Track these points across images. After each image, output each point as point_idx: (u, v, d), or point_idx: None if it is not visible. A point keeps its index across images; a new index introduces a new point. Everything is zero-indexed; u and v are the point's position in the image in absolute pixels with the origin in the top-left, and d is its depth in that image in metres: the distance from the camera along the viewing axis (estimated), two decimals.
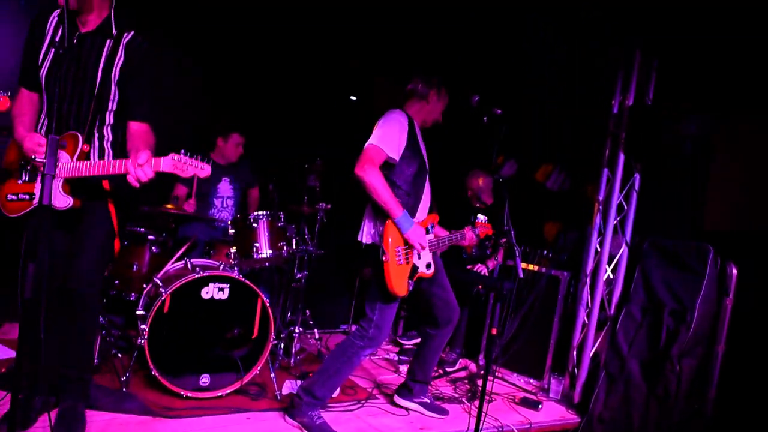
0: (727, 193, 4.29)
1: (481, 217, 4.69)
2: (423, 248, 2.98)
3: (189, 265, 3.56)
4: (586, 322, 4.37)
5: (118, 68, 2.39)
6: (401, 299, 3.07)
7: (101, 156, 2.45)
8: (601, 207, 4.36)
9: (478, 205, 4.81)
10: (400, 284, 2.91)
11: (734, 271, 3.86)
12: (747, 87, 4.16)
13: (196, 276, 3.26)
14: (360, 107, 5.49)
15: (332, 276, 5.21)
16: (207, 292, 3.32)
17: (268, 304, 3.53)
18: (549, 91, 5.26)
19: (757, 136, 4.18)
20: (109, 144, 2.48)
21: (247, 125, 4.50)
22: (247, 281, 3.42)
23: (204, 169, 2.23)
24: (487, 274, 4.72)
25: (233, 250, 3.83)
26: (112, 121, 2.46)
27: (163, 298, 3.18)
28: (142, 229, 3.82)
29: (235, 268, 3.74)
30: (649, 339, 3.97)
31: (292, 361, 4.16)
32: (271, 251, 3.79)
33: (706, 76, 4.19)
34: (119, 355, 3.67)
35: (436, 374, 4.57)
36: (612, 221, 4.30)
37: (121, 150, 2.51)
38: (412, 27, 4.84)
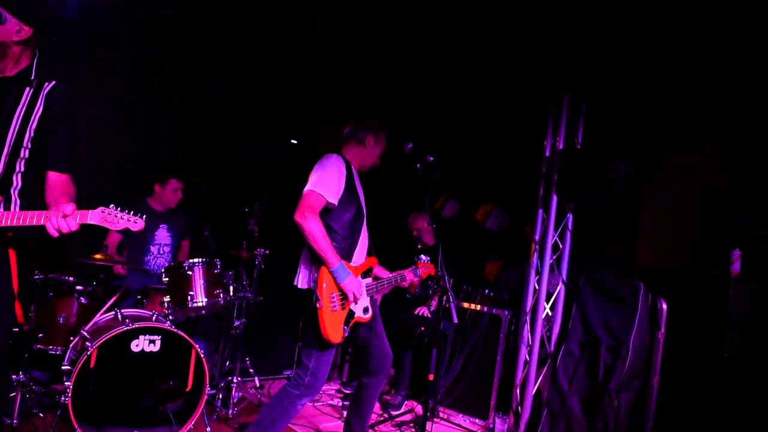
0: (656, 230, 4.60)
1: (423, 257, 4.82)
2: (357, 299, 2.99)
3: (119, 316, 3.50)
4: (528, 359, 4.49)
5: (37, 117, 2.36)
6: (343, 344, 3.11)
7: (7, 205, 2.36)
8: (537, 246, 4.53)
9: (419, 246, 4.94)
10: (334, 331, 2.90)
11: (664, 306, 4.10)
12: (668, 132, 4.52)
13: (126, 328, 3.23)
14: (302, 151, 5.59)
15: (273, 321, 5.13)
16: (137, 345, 3.30)
17: (202, 355, 3.51)
18: (485, 133, 5.59)
19: (677, 175, 4.52)
20: (16, 192, 2.40)
21: (184, 169, 4.52)
22: (180, 332, 3.41)
23: (137, 223, 2.23)
24: (430, 315, 4.77)
25: (167, 298, 3.81)
26: (22, 169, 2.39)
27: (89, 352, 3.13)
28: (70, 279, 3.72)
29: (169, 318, 3.71)
30: (587, 375, 4.14)
31: (230, 412, 4.08)
32: (207, 299, 3.77)
33: (631, 121, 4.55)
34: (41, 414, 3.56)
35: (381, 418, 4.59)
36: (548, 259, 4.47)
37: (29, 198, 2.42)
38: (357, 74, 5.04)
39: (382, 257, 3.45)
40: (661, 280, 4.18)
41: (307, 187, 2.86)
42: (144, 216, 2.21)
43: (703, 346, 3.79)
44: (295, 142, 5.50)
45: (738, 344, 3.68)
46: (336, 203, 2.94)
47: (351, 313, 3.01)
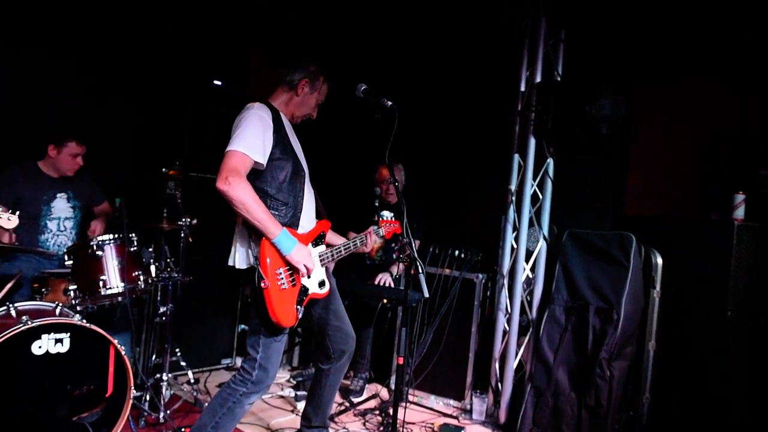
0: (647, 175, 4.55)
1: (387, 213, 4.69)
2: (310, 270, 2.97)
3: (13, 312, 3.29)
4: (507, 329, 4.50)
5: None
6: (290, 329, 3.08)
7: None
8: (513, 197, 4.51)
9: (377, 203, 4.79)
10: (285, 312, 2.86)
11: (659, 260, 4.12)
12: (660, 62, 4.43)
13: (23, 327, 3.04)
14: (231, 95, 5.47)
15: (206, 303, 5.06)
16: (40, 347, 3.12)
17: (123, 351, 3.39)
18: (450, 68, 5.51)
19: (671, 112, 4.46)
20: None
21: (88, 128, 4.36)
22: (93, 326, 3.28)
23: (10, 220, 2.04)
24: (392, 285, 4.73)
25: (73, 286, 3.65)
26: None
27: None
28: None
29: (78, 310, 3.56)
30: (575, 343, 4.15)
31: (161, 415, 3.97)
32: (123, 284, 3.69)
33: (616, 49, 4.45)
34: None
35: (342, 408, 4.54)
36: (527, 213, 4.44)
37: None
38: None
39: (336, 221, 3.44)
40: (655, 231, 4.09)
41: (229, 147, 2.78)
42: (18, 212, 1.96)
43: (704, 303, 3.78)
44: (218, 83, 5.32)
45: (742, 299, 3.70)
46: (264, 162, 2.89)
47: (304, 290, 2.99)
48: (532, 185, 4.47)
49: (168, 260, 4.21)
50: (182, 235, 4.26)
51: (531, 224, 4.50)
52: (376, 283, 4.74)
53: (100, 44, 5.00)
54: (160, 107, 5.21)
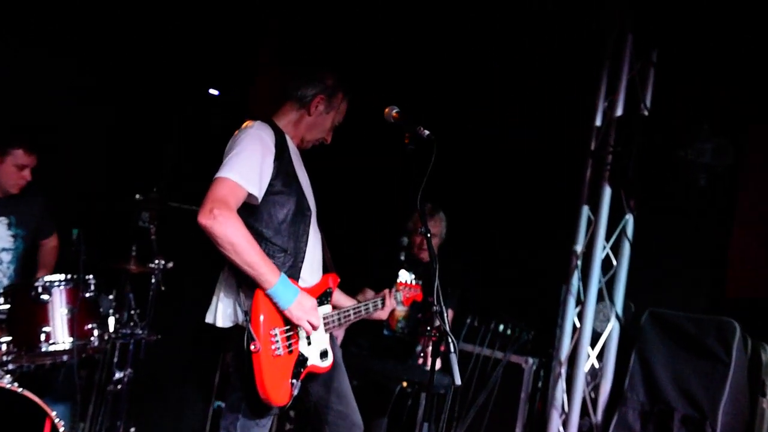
0: (759, 244, 4.38)
1: (405, 275, 4.57)
2: (314, 328, 2.90)
3: None
4: None
5: None
6: (281, 409, 3.00)
7: None
8: (578, 261, 4.47)
9: (402, 257, 4.76)
10: (277, 386, 2.79)
11: None
12: None
13: None
14: (229, 104, 5.48)
15: (176, 369, 4.93)
16: None
17: (62, 429, 3.26)
18: (506, 94, 5.47)
19: None
20: None
21: (42, 135, 4.29)
22: (27, 392, 3.19)
23: None
24: (420, 362, 4.57)
25: (6, 338, 3.50)
26: None
27: None
28: None
29: (8, 368, 3.42)
30: None
31: None
32: (71, 339, 3.61)
33: (723, 76, 4.33)
34: None
35: None
36: (595, 283, 4.39)
37: None
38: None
39: (346, 276, 3.39)
40: (766, 319, 4.02)
41: (218, 173, 2.79)
42: None
43: None
44: (215, 93, 5.34)
45: None
46: (260, 196, 2.89)
47: (302, 359, 2.94)
48: (605, 247, 4.42)
49: (132, 312, 4.17)
50: (153, 280, 4.21)
51: (600, 298, 4.46)
52: (396, 361, 4.59)
53: (73, 32, 5.02)
54: (141, 116, 5.24)
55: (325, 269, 3.23)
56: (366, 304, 3.34)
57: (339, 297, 3.33)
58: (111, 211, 4.54)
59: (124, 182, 4.52)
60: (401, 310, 3.75)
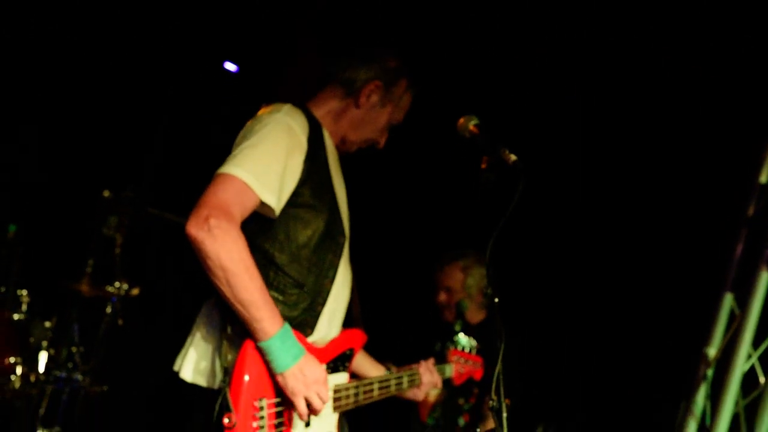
0: None
1: (464, 341, 4.24)
2: (315, 411, 2.74)
3: None
4: None
5: None
6: None
7: None
8: (709, 372, 4.38)
9: (452, 322, 4.68)
10: None
11: None
12: None
13: None
14: (251, 90, 5.39)
15: None
16: None
17: None
18: (626, 125, 5.43)
19: None
20: None
21: None
22: None
23: None
24: None
25: None
26: None
27: None
28: None
29: None
30: None
31: None
32: None
33: None
34: None
35: None
36: (730, 405, 4.28)
37: None
38: None
39: (377, 335, 3.31)
40: None
41: (221, 168, 2.67)
42: None
43: None
44: (232, 68, 5.26)
45: None
46: (278, 208, 2.75)
47: None
48: (750, 356, 4.28)
49: (74, 349, 4.19)
50: (109, 310, 4.21)
51: (735, 429, 4.33)
52: None
53: None
54: (125, 88, 5.19)
55: (349, 321, 3.14)
56: (399, 377, 3.25)
57: (363, 362, 3.29)
58: (68, 208, 4.49)
59: (91, 173, 4.48)
60: (439, 392, 3.75)
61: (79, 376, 4.06)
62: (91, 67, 5.33)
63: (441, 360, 3.49)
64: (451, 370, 3.45)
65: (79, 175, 4.67)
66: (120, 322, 4.19)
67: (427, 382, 3.35)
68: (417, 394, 3.38)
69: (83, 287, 4.11)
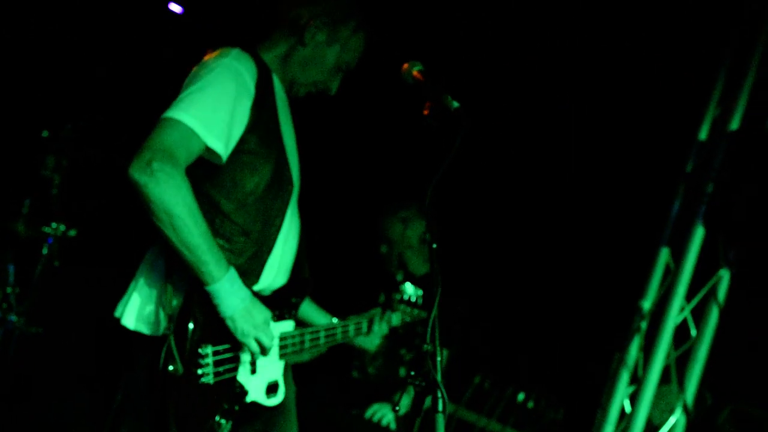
0: None
1: (411, 290, 4.42)
2: (263, 351, 2.80)
3: None
4: None
5: None
6: None
7: None
8: (644, 323, 4.46)
9: (398, 274, 4.70)
10: (195, 426, 2.70)
11: None
12: None
13: None
14: (198, 34, 5.33)
15: (58, 380, 4.90)
16: None
17: None
18: (566, 73, 5.47)
19: None
20: None
21: None
22: None
23: None
24: (392, 426, 4.39)
25: None
26: None
27: None
28: None
29: None
30: None
31: None
32: None
33: None
34: None
35: None
36: (661, 357, 4.34)
37: None
38: None
39: (323, 286, 3.35)
40: None
41: (166, 113, 2.65)
42: None
43: None
44: (177, 9, 5.23)
45: None
46: (225, 155, 2.76)
47: (239, 392, 2.84)
48: (683, 308, 4.36)
49: (8, 290, 4.21)
50: (45, 251, 4.18)
51: (666, 379, 4.41)
52: (367, 417, 4.44)
53: None
54: (65, 18, 5.05)
55: (298, 272, 3.14)
56: (345, 325, 3.25)
57: (310, 311, 3.32)
58: (3, 147, 4.46)
59: (29, 110, 4.43)
60: (380, 344, 3.71)
61: (12, 317, 4.05)
62: (33, 1, 4.98)
63: (384, 310, 3.44)
64: (398, 319, 3.46)
65: (17, 113, 4.59)
66: (55, 263, 4.12)
67: (373, 331, 3.35)
68: (363, 343, 3.42)
69: (18, 227, 4.05)
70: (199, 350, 2.66)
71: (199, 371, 2.66)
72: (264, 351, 2.81)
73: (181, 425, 2.64)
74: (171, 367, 2.57)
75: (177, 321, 2.64)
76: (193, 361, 2.65)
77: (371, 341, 3.45)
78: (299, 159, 3.10)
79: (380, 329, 3.41)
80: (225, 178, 2.80)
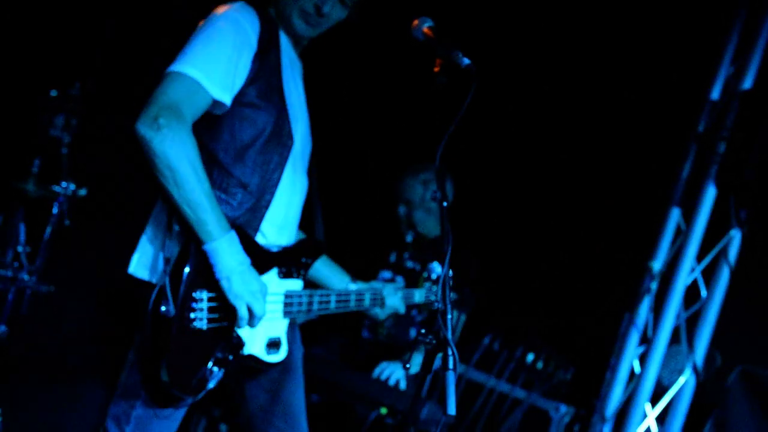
0: None
1: (439, 267, 4.47)
2: (258, 315, 2.78)
3: None
4: None
5: None
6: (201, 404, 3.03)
7: None
8: (654, 284, 4.49)
9: (408, 238, 4.72)
10: (185, 371, 2.69)
11: None
12: None
13: None
14: None
15: (73, 340, 4.90)
16: None
17: None
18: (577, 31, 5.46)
19: None
20: None
21: None
22: None
23: None
24: (402, 386, 4.34)
25: None
26: None
27: None
28: None
29: None
30: None
31: None
32: None
33: None
34: None
35: None
36: (671, 317, 4.38)
37: None
38: None
39: (333, 245, 3.33)
40: None
41: (170, 67, 2.68)
42: None
43: None
44: None
45: None
46: (228, 104, 2.78)
47: (235, 343, 2.85)
48: (693, 269, 4.40)
49: (20, 249, 4.21)
50: (55, 210, 4.21)
51: (675, 340, 4.45)
52: (375, 375, 4.39)
53: None
54: None
55: (308, 232, 3.19)
56: (360, 294, 3.26)
57: (326, 271, 3.31)
58: (12, 107, 4.43)
59: (36, 68, 4.43)
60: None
61: (25, 275, 4.07)
62: None
63: (395, 270, 3.41)
64: (421, 296, 3.51)
65: (26, 71, 4.59)
66: (66, 222, 4.16)
67: (390, 305, 3.40)
68: (378, 314, 3.43)
69: (29, 187, 4.09)
70: (194, 294, 2.68)
71: (192, 315, 2.68)
72: (252, 321, 2.82)
73: (172, 370, 2.67)
74: (163, 308, 2.61)
75: (174, 264, 2.68)
76: (186, 304, 2.67)
77: (384, 312, 3.45)
78: (310, 119, 3.11)
79: (400, 305, 3.45)
80: (223, 131, 2.84)
